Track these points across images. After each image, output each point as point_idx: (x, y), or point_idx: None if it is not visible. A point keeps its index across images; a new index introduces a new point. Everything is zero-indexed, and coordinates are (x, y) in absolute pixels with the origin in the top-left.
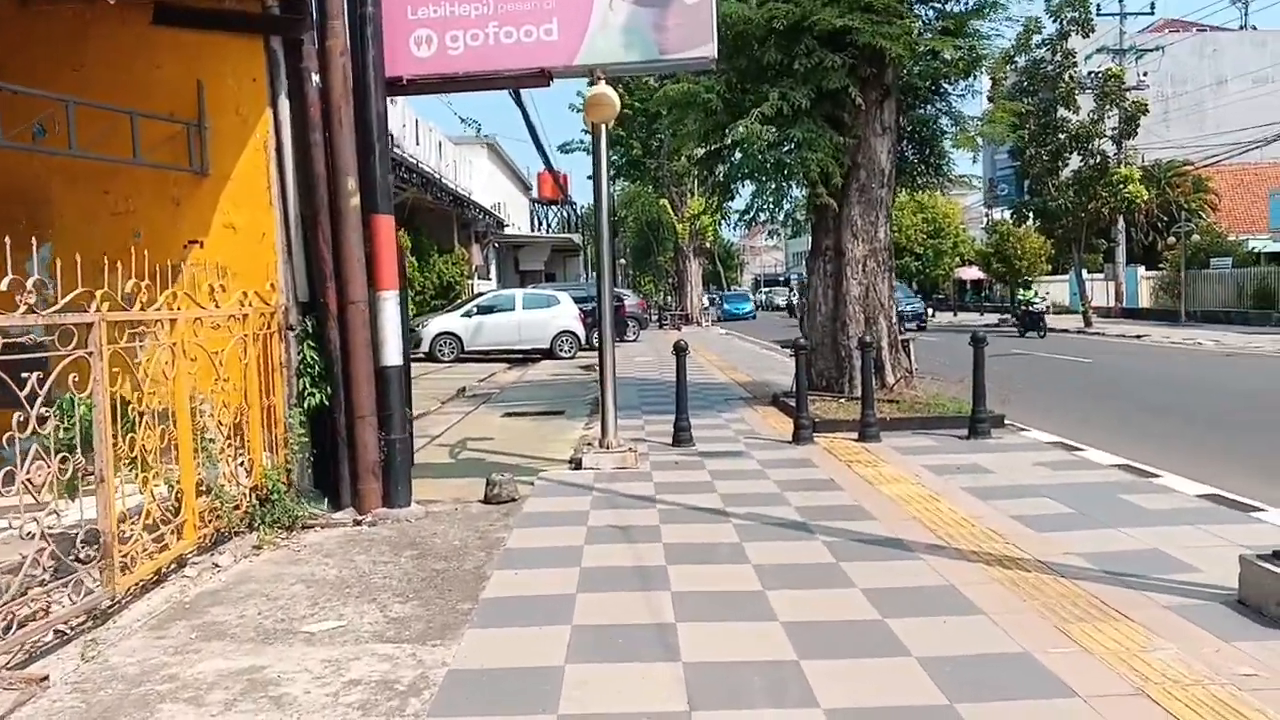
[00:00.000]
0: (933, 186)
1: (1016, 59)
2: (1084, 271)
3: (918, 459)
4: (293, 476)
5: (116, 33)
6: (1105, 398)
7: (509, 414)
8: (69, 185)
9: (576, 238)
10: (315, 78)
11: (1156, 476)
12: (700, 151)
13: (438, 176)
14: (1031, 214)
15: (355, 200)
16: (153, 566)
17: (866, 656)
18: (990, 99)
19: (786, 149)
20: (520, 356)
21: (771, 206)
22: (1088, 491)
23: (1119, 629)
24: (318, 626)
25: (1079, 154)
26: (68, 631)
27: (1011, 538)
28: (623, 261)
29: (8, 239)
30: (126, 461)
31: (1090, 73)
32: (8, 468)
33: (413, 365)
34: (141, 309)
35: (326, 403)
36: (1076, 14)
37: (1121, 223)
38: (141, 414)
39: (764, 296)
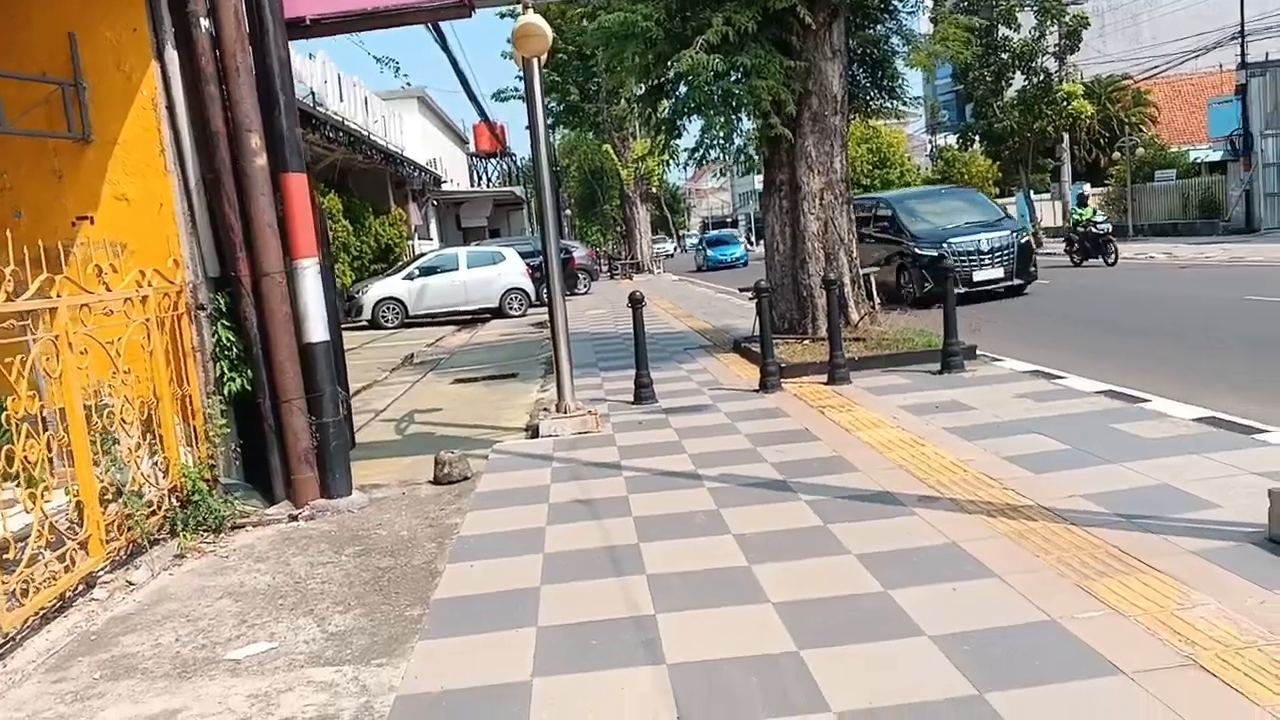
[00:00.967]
0: (887, 112)
1: None
2: (1031, 192)
3: (893, 399)
4: (218, 472)
5: None
6: (1071, 320)
7: (459, 380)
8: None
9: (518, 190)
10: (205, 22)
11: (1145, 401)
12: (642, 89)
13: (366, 134)
14: (978, 137)
15: (261, 160)
16: (52, 593)
17: (875, 640)
18: (933, 19)
19: (735, 78)
20: (469, 317)
21: (722, 142)
22: (1077, 423)
23: (1147, 583)
24: (244, 651)
25: (1022, 73)
26: None
27: (1008, 482)
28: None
29: None
30: (5, 477)
31: None
32: None
33: (356, 334)
34: (7, 299)
35: (249, 387)
36: None
37: (1066, 140)
38: (21, 421)
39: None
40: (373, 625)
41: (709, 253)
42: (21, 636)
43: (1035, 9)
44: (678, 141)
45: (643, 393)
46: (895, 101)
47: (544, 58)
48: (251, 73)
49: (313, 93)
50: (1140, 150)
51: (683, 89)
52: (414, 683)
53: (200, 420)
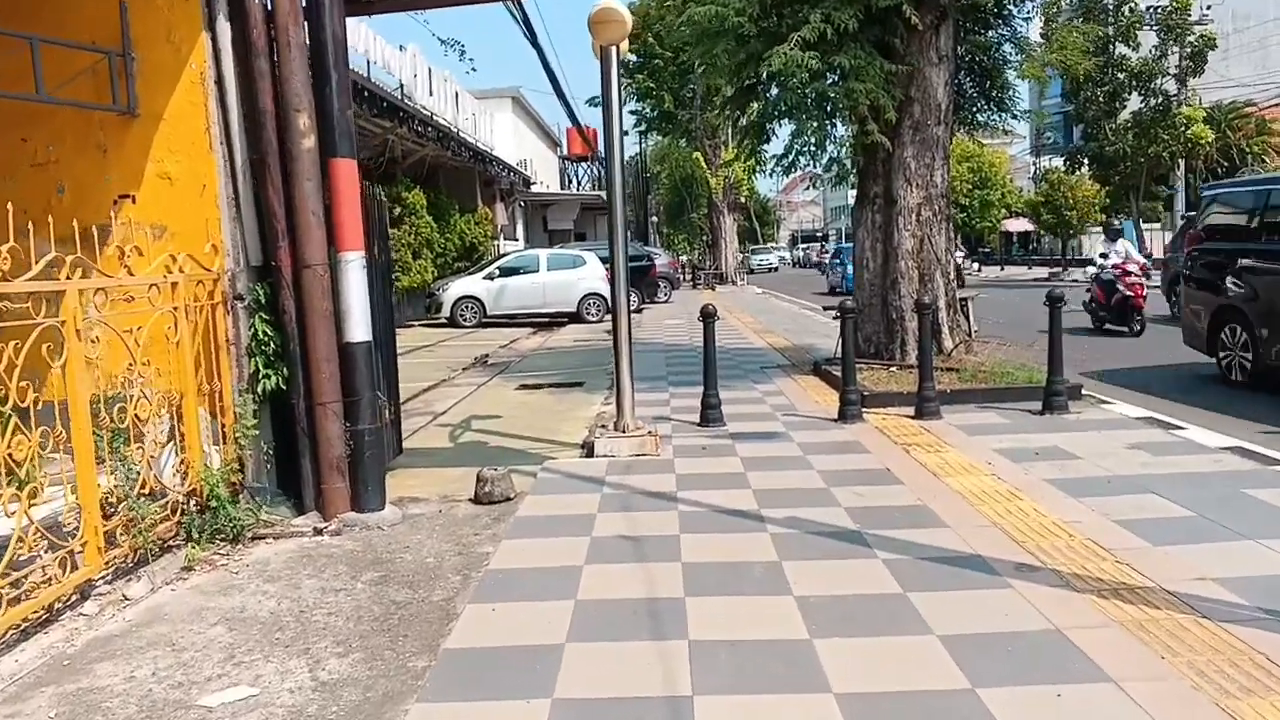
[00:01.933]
0: (994, 125)
1: None
2: (1140, 221)
3: (988, 440)
4: (247, 476)
5: None
6: (1188, 361)
7: (524, 386)
8: None
9: (606, 195)
10: None
11: None
12: (731, 90)
13: (455, 130)
14: (1087, 160)
15: (309, 142)
16: (33, 606)
17: None
18: (1044, 36)
19: (830, 81)
20: (546, 320)
21: (813, 148)
22: (1202, 485)
23: None
24: (221, 697)
25: (1139, 94)
26: None
27: (1122, 553)
28: (655, 219)
29: None
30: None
31: (1149, 6)
32: None
33: (433, 331)
34: (3, 279)
35: (284, 387)
36: None
37: (1182, 168)
38: (9, 415)
39: (801, 254)
40: (370, 676)
41: (849, 269)
42: None
43: (1158, 27)
44: (766, 148)
45: (710, 414)
46: (1004, 114)
47: (624, 47)
48: (304, 49)
49: (401, 85)
50: None
51: (774, 90)
52: None
53: (230, 419)
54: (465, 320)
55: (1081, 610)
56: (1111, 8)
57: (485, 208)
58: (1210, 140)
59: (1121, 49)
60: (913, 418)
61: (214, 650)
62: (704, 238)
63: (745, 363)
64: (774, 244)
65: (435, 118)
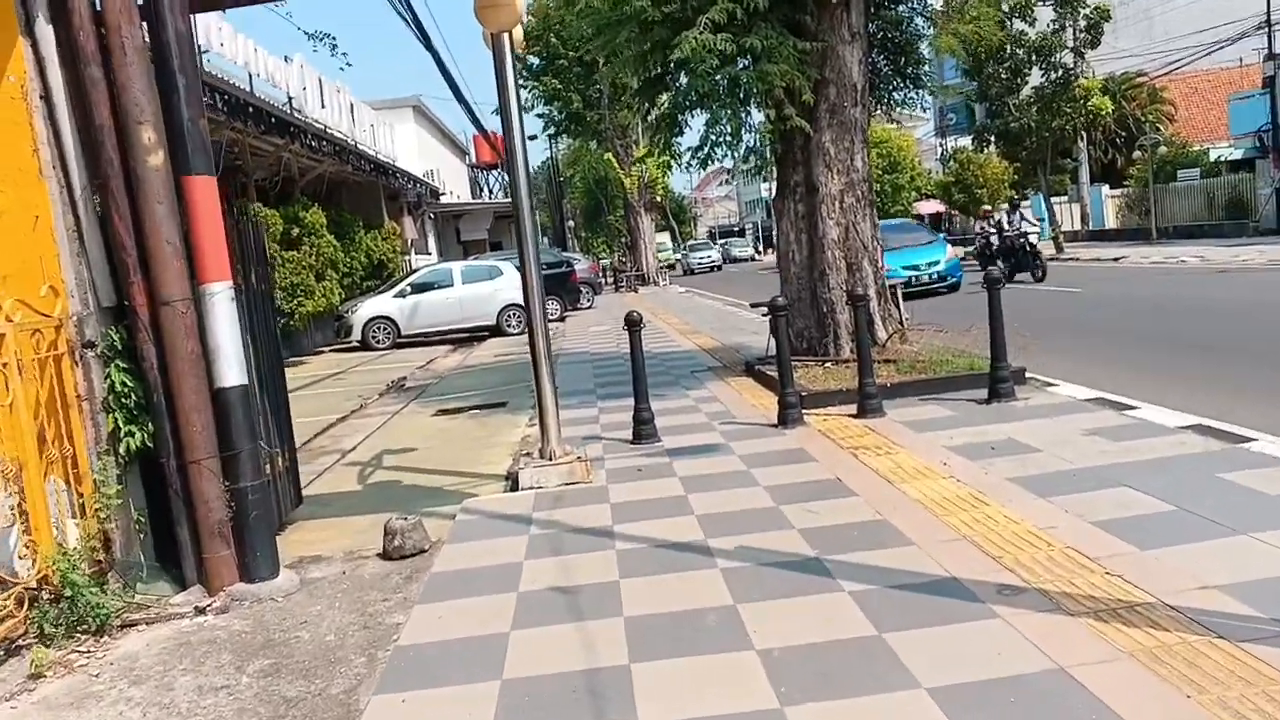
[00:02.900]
0: (911, 103)
1: None
2: (1048, 196)
3: (938, 436)
4: (115, 551)
5: None
6: (1117, 332)
7: (442, 411)
8: None
9: (512, 199)
10: None
11: (1250, 440)
12: (638, 82)
13: (353, 143)
14: (993, 137)
15: (156, 159)
16: None
17: None
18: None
19: (742, 65)
20: (465, 336)
21: (729, 138)
22: (1172, 472)
23: None
24: None
25: (1039, 68)
26: None
27: (1110, 562)
28: (572, 224)
29: None
30: None
31: None
32: None
33: (345, 356)
34: None
35: (151, 444)
36: None
37: (1083, 140)
38: None
39: (720, 249)
40: None
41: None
42: None
43: (1053, 2)
44: (679, 140)
45: (643, 429)
46: (920, 91)
47: (518, 34)
48: (143, 52)
49: (290, 99)
50: (1162, 149)
51: (684, 79)
52: None
53: (89, 486)
54: (378, 342)
55: (1082, 640)
56: None
57: (393, 222)
58: (1109, 111)
59: (1019, 24)
60: (855, 416)
61: None
62: (623, 239)
63: (675, 368)
64: (693, 239)
65: (330, 131)
